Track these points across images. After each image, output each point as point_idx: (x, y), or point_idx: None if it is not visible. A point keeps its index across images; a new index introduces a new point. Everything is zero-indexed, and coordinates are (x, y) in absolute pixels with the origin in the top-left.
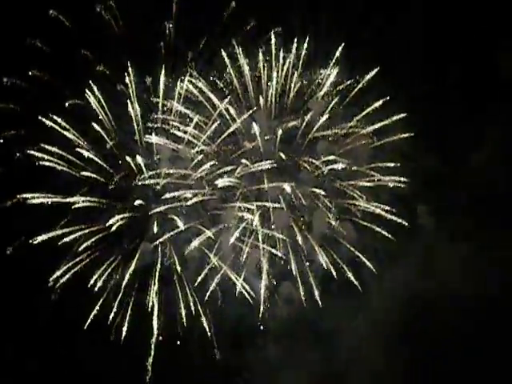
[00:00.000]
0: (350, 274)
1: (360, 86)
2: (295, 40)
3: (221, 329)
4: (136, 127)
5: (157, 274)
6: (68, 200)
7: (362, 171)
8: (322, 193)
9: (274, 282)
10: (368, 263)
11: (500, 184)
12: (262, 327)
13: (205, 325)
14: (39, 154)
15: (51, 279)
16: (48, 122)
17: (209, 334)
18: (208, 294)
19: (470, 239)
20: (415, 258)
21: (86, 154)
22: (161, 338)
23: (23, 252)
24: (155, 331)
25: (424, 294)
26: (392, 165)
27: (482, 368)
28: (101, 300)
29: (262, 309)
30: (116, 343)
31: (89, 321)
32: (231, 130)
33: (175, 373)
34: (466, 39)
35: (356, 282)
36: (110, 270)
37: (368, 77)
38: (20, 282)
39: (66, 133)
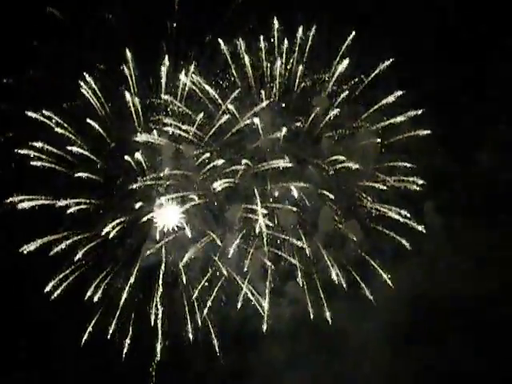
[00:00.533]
0: (355, 275)
1: (369, 79)
2: (299, 31)
3: (224, 331)
4: (137, 125)
5: (161, 276)
6: (64, 203)
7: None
8: (330, 196)
9: (279, 283)
10: (376, 266)
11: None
12: (265, 329)
13: (210, 329)
14: (32, 153)
15: (46, 290)
16: (40, 119)
17: (213, 337)
18: (212, 297)
19: (478, 237)
20: (421, 257)
21: (83, 153)
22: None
23: (16, 260)
24: (159, 336)
25: (429, 293)
26: (401, 164)
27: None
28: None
29: (266, 311)
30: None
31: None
32: (234, 129)
33: (179, 378)
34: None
35: (362, 284)
36: (112, 274)
37: (377, 70)
38: (14, 292)
39: (60, 130)
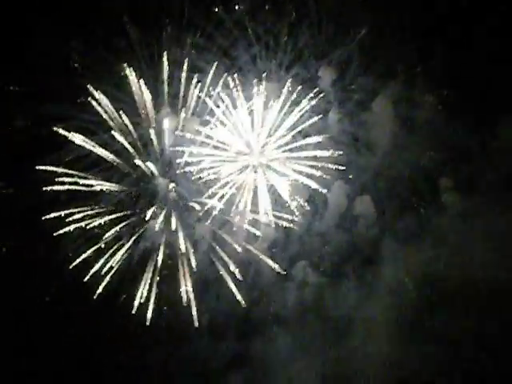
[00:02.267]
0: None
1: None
2: None
3: (229, 316)
4: None
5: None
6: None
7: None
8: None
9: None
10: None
11: None
12: (271, 315)
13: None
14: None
15: None
16: None
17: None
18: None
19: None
20: (435, 236)
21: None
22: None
23: None
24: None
25: (441, 277)
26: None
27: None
28: None
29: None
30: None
31: None
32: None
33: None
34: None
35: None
36: None
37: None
38: None
39: None
